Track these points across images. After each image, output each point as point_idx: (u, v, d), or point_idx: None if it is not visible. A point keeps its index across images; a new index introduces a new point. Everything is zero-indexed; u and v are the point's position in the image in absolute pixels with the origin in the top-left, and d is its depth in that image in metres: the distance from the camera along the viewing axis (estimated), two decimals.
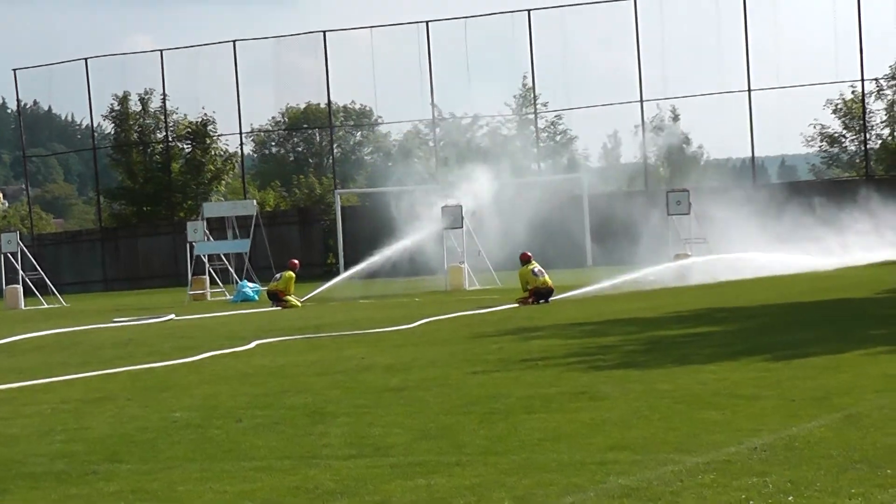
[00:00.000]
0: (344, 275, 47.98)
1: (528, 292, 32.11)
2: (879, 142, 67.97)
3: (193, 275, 47.64)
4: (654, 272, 37.80)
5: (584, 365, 16.52)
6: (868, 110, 66.13)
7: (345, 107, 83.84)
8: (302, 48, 71.44)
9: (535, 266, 32.61)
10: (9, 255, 49.33)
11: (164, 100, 72.70)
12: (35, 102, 79.06)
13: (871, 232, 51.00)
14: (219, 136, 73.26)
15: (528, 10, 66.80)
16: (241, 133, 72.25)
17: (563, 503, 8.54)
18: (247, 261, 48.54)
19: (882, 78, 65.97)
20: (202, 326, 29.80)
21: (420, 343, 21.58)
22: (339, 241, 58.71)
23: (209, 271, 47.80)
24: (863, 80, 63.34)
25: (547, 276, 32.38)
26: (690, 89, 67.37)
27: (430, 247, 46.99)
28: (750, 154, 66.09)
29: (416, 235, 47.55)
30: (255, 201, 57.48)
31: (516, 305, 31.34)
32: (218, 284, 48.09)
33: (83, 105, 72.51)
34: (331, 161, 76.05)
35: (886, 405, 11.91)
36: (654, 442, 10.58)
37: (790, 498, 8.26)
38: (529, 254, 34.05)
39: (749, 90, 62.97)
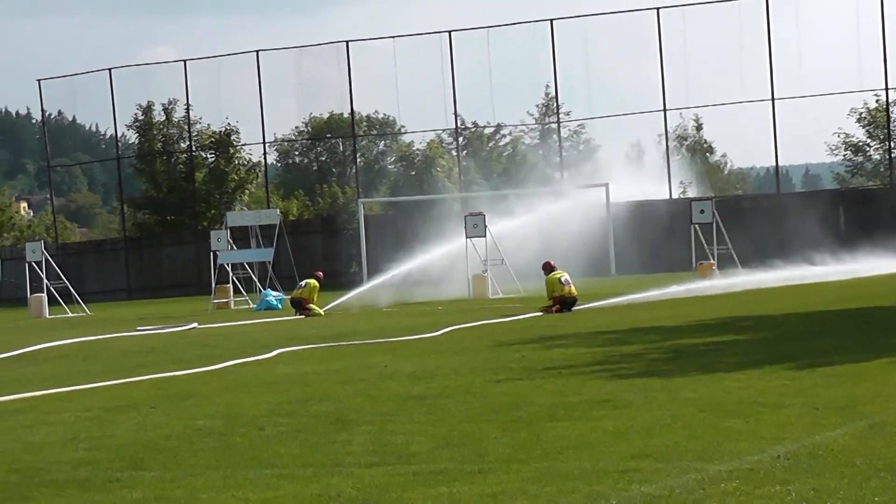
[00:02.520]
0: (368, 285, 48.01)
1: (552, 300, 32.09)
2: None
3: (217, 283, 47.73)
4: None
5: (607, 373, 16.49)
6: (892, 119, 65.89)
7: (368, 116, 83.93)
8: (325, 58, 71.59)
9: (563, 275, 32.58)
10: (33, 264, 49.50)
11: (187, 110, 72.95)
12: (59, 113, 79.56)
13: None
14: (242, 145, 73.45)
15: (551, 20, 66.79)
16: (264, 142, 72.41)
17: None
18: (270, 270, 48.61)
19: None
20: (225, 335, 29.85)
21: (443, 351, 21.57)
22: (363, 250, 58.72)
23: (232, 280, 47.88)
24: (887, 88, 63.12)
25: (573, 286, 32.35)
26: (714, 98, 67.24)
27: (454, 255, 47.03)
28: (774, 163, 65.87)
29: (441, 248, 47.61)
30: (278, 210, 57.56)
31: (540, 314, 31.31)
32: (241, 293, 48.17)
33: (107, 115, 72.80)
34: (354, 170, 76.13)
35: None
36: (676, 450, 10.55)
37: None
38: (553, 262, 34.06)
39: (773, 99, 62.82)
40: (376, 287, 46.51)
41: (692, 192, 68.26)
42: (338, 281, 56.43)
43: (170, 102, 73.02)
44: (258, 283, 48.38)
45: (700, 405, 13.00)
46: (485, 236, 44.08)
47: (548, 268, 33.42)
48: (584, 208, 55.22)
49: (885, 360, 16.33)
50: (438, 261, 47.55)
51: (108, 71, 71.94)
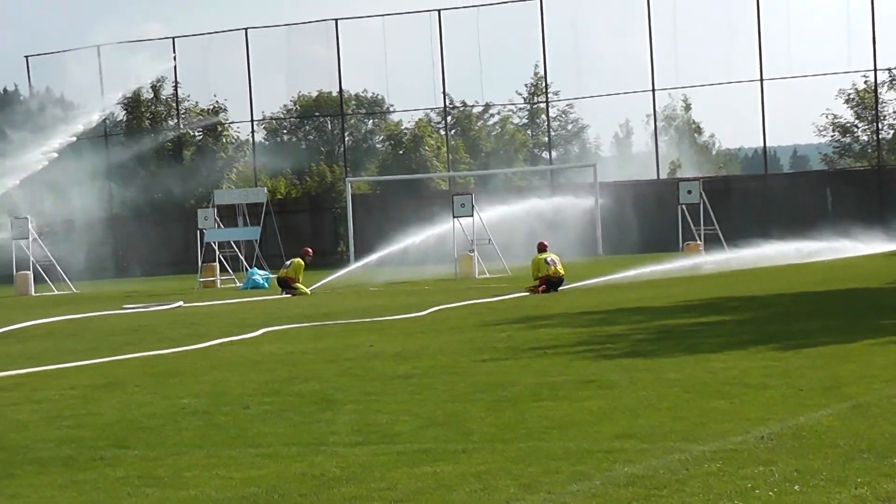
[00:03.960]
0: (355, 265, 48.01)
1: (538, 280, 32.09)
2: (892, 132, 67.86)
3: (203, 262, 47.66)
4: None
5: (592, 353, 16.51)
6: (880, 100, 65.99)
7: (356, 95, 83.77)
8: (314, 36, 71.48)
9: (549, 255, 32.58)
10: (20, 241, 49.34)
11: (175, 87, 72.74)
12: (47, 89, 79.00)
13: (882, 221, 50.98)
14: (230, 123, 73.27)
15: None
16: (252, 121, 72.30)
17: (570, 491, 8.52)
18: (257, 248, 48.55)
19: (895, 68, 65.85)
20: (211, 313, 29.82)
21: (429, 331, 21.57)
22: (350, 229, 58.69)
23: (219, 258, 47.80)
24: (875, 69, 63.22)
25: (559, 266, 32.33)
26: (702, 78, 67.29)
27: (440, 235, 47.06)
28: (762, 144, 65.93)
29: (430, 230, 47.60)
30: (265, 189, 57.47)
31: (526, 294, 31.32)
32: (228, 272, 48.11)
33: (95, 92, 72.52)
34: (342, 149, 76.05)
35: (894, 395, 11.88)
36: (661, 430, 10.56)
37: (796, 487, 8.24)
38: (546, 243, 34.12)
39: (761, 79, 62.87)
40: (363, 266, 46.52)
41: (683, 174, 68.31)
42: (325, 260, 56.40)
43: (158, 80, 72.81)
44: (245, 262, 48.31)
45: (685, 386, 13.01)
46: (472, 216, 44.04)
47: (540, 248, 33.42)
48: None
49: (870, 342, 16.36)
50: (425, 240, 47.55)
51: (96, 48, 71.75)
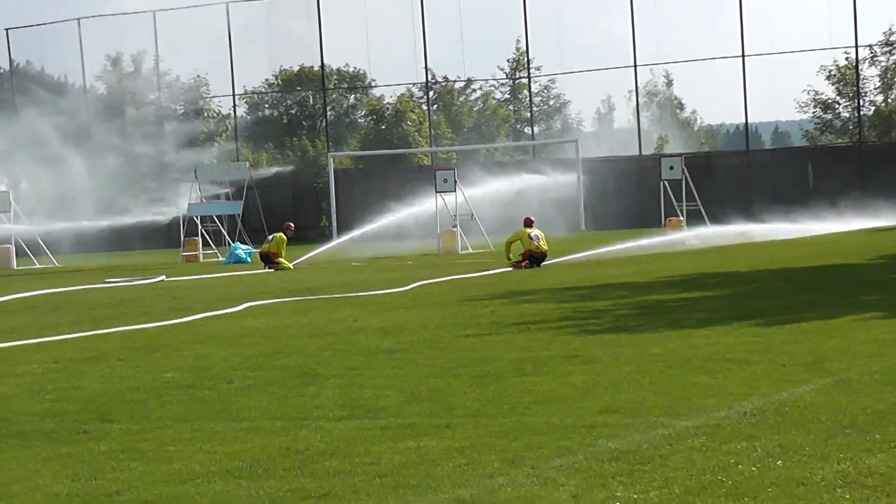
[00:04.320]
0: (337, 240, 48.02)
1: (521, 256, 32.06)
2: (873, 108, 68.01)
3: (186, 236, 47.56)
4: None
5: (575, 329, 16.53)
6: (861, 77, 66.11)
7: (338, 69, 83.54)
8: (295, 10, 71.62)
9: (534, 231, 32.49)
10: (1, 215, 49.14)
11: (156, 61, 72.49)
12: (28, 62, 78.72)
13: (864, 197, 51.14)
14: (212, 97, 73.05)
15: None
16: (234, 95, 72.13)
17: (553, 465, 8.54)
18: (239, 223, 48.46)
19: (876, 44, 66.02)
20: (194, 288, 29.78)
21: (412, 306, 21.58)
22: (332, 204, 58.65)
23: (202, 233, 47.72)
24: (857, 46, 63.33)
25: (542, 242, 32.28)
26: (684, 55, 67.43)
27: (423, 210, 47.09)
28: (743, 120, 65.98)
29: (412, 205, 47.62)
30: (247, 163, 57.33)
31: (509, 269, 31.32)
32: (210, 246, 48.04)
33: (76, 66, 72.26)
34: (324, 124, 75.92)
35: (877, 370, 11.93)
36: (644, 406, 10.59)
37: (779, 462, 8.27)
38: (532, 219, 34.06)
39: (743, 56, 62.90)
40: (346, 241, 46.52)
41: (666, 150, 68.41)
42: (307, 235, 56.37)
43: (139, 53, 72.57)
44: (227, 236, 48.24)
45: (668, 361, 13.05)
46: (454, 191, 44.02)
47: (527, 223, 33.25)
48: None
49: (852, 318, 16.41)
50: (408, 216, 47.56)
51: (76, 21, 71.42)
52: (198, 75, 72.63)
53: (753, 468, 8.17)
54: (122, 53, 73.10)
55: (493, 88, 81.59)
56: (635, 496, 7.67)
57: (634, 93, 67.68)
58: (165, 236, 56.07)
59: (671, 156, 48.36)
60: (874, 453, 8.42)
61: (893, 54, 66.91)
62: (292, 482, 8.47)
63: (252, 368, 14.03)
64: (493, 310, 19.82)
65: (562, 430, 9.64)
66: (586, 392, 11.41)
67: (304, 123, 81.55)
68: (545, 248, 32.26)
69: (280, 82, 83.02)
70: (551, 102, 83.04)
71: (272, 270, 36.34)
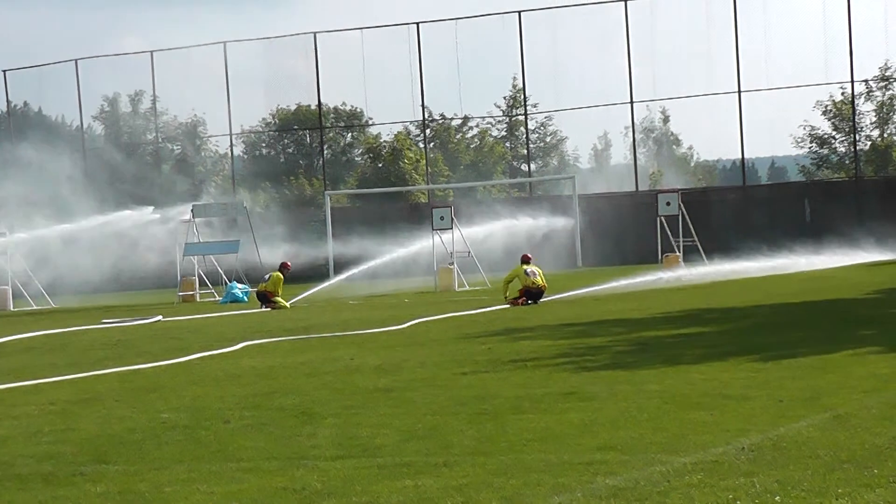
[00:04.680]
0: (335, 279, 48.00)
1: (518, 292, 32.12)
2: (869, 143, 68.13)
3: (182, 276, 47.55)
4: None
5: (572, 366, 16.51)
6: (857, 112, 66.25)
7: (335, 108, 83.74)
8: (292, 50, 71.43)
9: (530, 267, 32.64)
10: None
11: (154, 101, 72.66)
12: (25, 104, 78.88)
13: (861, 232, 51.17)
14: (209, 136, 73.20)
15: (519, 12, 66.78)
16: (231, 134, 72.22)
17: (551, 503, 8.52)
18: (236, 262, 48.43)
19: (871, 79, 66.15)
20: (191, 328, 29.76)
21: (409, 344, 21.56)
22: (329, 242, 58.63)
23: (198, 272, 47.70)
24: (852, 81, 63.43)
25: (539, 277, 32.35)
26: (681, 91, 67.39)
27: (420, 248, 47.14)
28: (740, 156, 66.06)
29: (409, 243, 47.66)
30: (245, 202, 57.34)
31: (506, 306, 31.33)
32: (207, 285, 48.02)
33: (73, 106, 72.39)
34: (321, 162, 76.01)
35: (874, 405, 11.91)
36: (642, 442, 10.57)
37: (777, 498, 8.26)
38: (529, 255, 34.26)
39: (739, 91, 63.00)
40: (342, 280, 46.51)
41: (662, 185, 68.47)
42: (304, 274, 56.32)
43: (136, 94, 72.73)
44: (224, 276, 48.21)
45: (665, 397, 13.03)
46: (451, 228, 44.07)
47: (524, 259, 33.49)
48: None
49: (849, 353, 16.41)
50: (405, 253, 47.59)
51: (74, 62, 71.58)
52: (195, 115, 72.76)
53: None
54: (120, 94, 73.28)
55: (489, 126, 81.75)
56: None
57: (631, 129, 67.80)
58: (162, 276, 55.97)
59: (668, 191, 48.40)
60: (872, 488, 8.40)
61: (889, 89, 67.07)
62: None
63: (249, 408, 14.00)
64: (490, 347, 19.81)
65: (559, 468, 9.62)
66: (584, 429, 11.39)
67: (301, 162, 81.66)
68: (542, 283, 32.31)
69: (277, 121, 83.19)
70: (548, 139, 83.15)
71: (269, 309, 36.32)
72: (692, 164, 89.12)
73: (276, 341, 23.59)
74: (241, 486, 9.69)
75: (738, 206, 61.62)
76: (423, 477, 9.58)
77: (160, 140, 73.15)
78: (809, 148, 70.17)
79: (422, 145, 75.18)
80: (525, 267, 32.63)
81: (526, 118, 73.83)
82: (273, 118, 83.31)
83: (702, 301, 29.01)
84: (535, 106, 74.22)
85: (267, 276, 37.99)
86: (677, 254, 43.91)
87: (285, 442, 11.62)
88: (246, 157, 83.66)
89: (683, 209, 44.62)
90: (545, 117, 79.39)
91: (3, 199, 58.03)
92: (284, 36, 71.17)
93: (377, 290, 42.66)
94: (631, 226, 59.21)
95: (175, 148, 73.82)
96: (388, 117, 77.05)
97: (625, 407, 12.54)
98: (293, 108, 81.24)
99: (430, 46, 68.77)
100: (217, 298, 45.19)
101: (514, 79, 73.99)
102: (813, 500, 8.15)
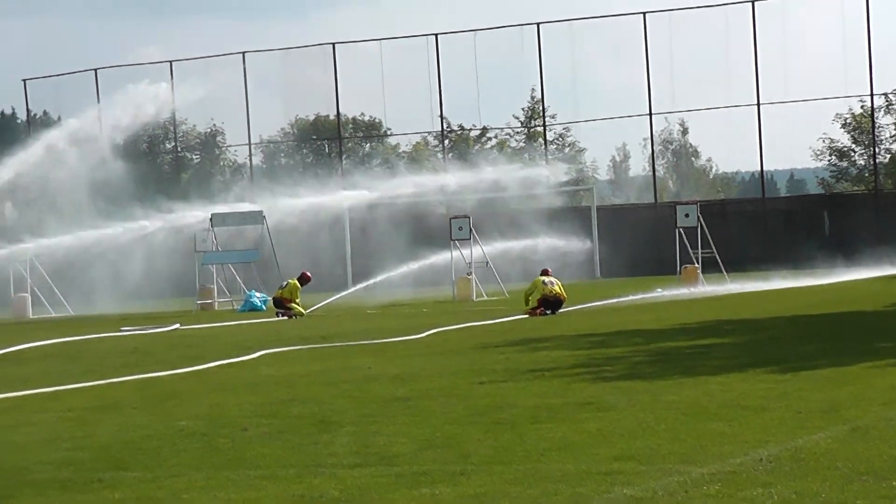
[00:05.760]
0: (353, 288, 48.00)
1: (536, 302, 32.13)
2: (888, 156, 67.94)
3: (201, 284, 47.60)
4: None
5: (590, 376, 16.50)
6: (877, 125, 66.07)
7: (354, 118, 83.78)
8: (311, 60, 71.58)
9: (549, 279, 32.73)
10: (17, 263, 49.24)
11: (173, 111, 72.77)
12: (45, 113, 79.09)
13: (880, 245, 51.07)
14: (228, 146, 73.30)
15: (538, 24, 66.86)
16: (250, 144, 72.34)
17: None
18: (254, 271, 48.48)
19: (891, 92, 65.95)
20: (208, 336, 29.79)
21: (427, 353, 21.55)
22: (348, 252, 58.68)
23: (217, 281, 47.75)
24: (872, 94, 63.31)
25: (557, 286, 32.35)
26: (699, 103, 67.34)
27: (439, 258, 47.12)
28: (759, 168, 65.95)
29: (428, 253, 47.63)
30: (263, 212, 57.39)
31: (525, 316, 31.31)
32: (226, 294, 48.07)
33: (93, 116, 72.47)
34: (340, 172, 76.05)
35: (893, 417, 11.88)
36: (659, 453, 10.56)
37: None
38: (549, 269, 34.40)
39: (758, 104, 62.95)
40: (361, 289, 46.50)
41: (680, 197, 68.37)
42: (322, 283, 56.33)
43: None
44: (242, 284, 48.25)
45: (683, 408, 13.01)
46: (469, 239, 44.05)
47: (543, 272, 33.65)
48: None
49: (868, 364, 16.37)
50: (423, 263, 47.55)
51: (93, 71, 71.79)
52: (214, 124, 72.89)
53: None
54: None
55: (508, 137, 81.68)
56: None
57: (650, 141, 67.75)
58: (180, 284, 56.05)
59: (687, 203, 48.31)
60: (891, 500, 8.38)
61: None
62: None
63: (266, 416, 14.01)
64: (508, 357, 19.79)
65: (577, 478, 9.61)
66: (601, 439, 11.38)
67: (320, 172, 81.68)
68: (559, 292, 32.30)
69: (296, 131, 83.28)
70: (566, 150, 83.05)
71: (286, 317, 36.34)
72: (711, 176, 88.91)
73: (293, 350, 23.60)
74: (259, 493, 9.70)
75: (756, 218, 61.54)
76: (440, 486, 9.58)
77: (179, 150, 73.24)
78: (829, 160, 69.97)
79: (440, 156, 75.17)
80: (544, 278, 32.70)
81: (545, 129, 73.83)
82: (292, 128, 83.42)
83: (720, 312, 28.95)
84: (553, 117, 74.23)
85: (284, 283, 38.07)
86: (696, 265, 43.83)
87: (302, 450, 11.62)
88: (265, 166, 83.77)
89: (702, 221, 44.55)
90: (563, 128, 79.32)
91: (21, 206, 58.20)
92: (303, 46, 71.50)
93: (395, 300, 42.65)
94: (649, 237, 59.13)
95: (194, 157, 73.90)
96: (407, 128, 77.08)
97: (643, 417, 12.52)
98: (312, 118, 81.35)
99: (449, 58, 68.93)
100: (235, 307, 45.23)
101: (533, 90, 73.98)
102: None
